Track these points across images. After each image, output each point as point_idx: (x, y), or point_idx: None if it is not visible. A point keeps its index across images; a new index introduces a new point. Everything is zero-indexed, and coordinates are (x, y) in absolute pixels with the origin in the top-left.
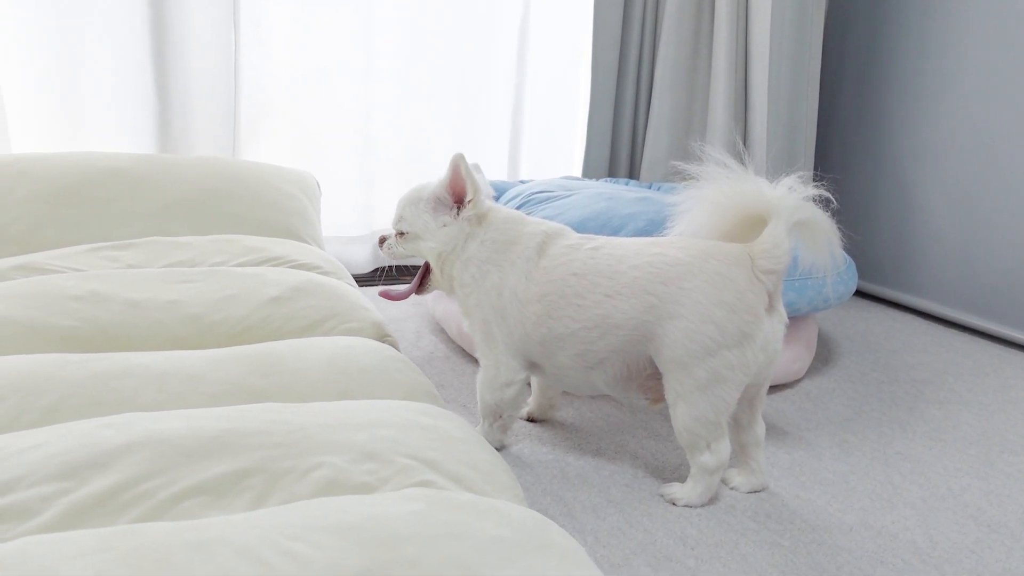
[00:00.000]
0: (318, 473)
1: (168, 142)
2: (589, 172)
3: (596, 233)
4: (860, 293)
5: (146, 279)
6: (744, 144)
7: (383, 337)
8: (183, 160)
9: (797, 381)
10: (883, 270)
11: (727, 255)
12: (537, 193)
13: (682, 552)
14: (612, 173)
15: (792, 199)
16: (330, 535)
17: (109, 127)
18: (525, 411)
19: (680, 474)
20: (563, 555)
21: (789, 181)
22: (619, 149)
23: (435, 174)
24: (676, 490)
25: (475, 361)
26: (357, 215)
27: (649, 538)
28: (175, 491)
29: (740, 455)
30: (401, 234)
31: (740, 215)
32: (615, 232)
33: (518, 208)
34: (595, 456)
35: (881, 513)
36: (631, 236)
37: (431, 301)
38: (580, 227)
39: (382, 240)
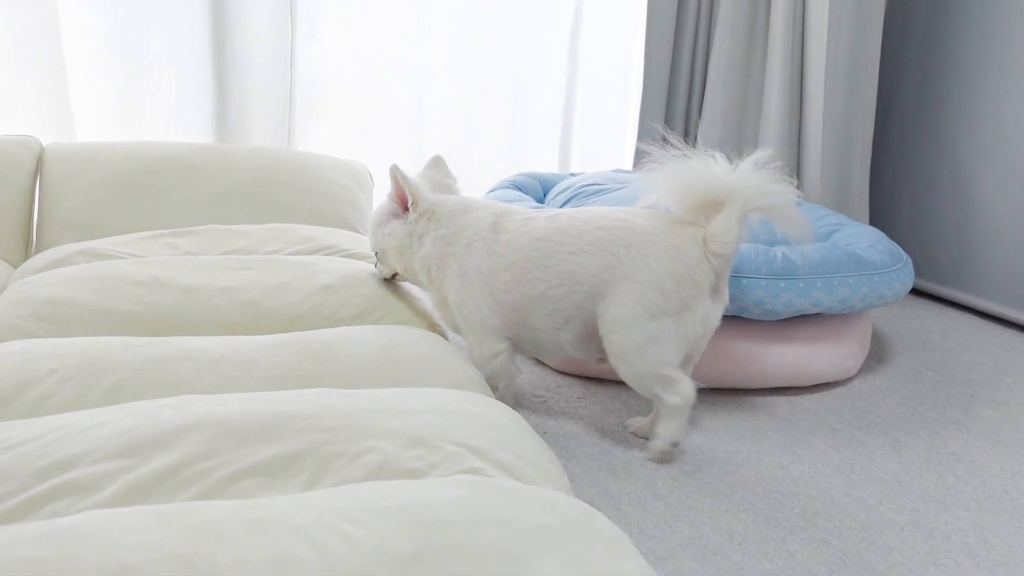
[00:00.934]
0: (368, 457)
1: (225, 132)
2: (640, 165)
3: None
4: (916, 291)
5: (203, 266)
6: (799, 137)
7: (432, 327)
8: (239, 150)
9: (849, 379)
10: (941, 267)
11: (684, 232)
12: (587, 186)
13: (728, 547)
14: None
15: (748, 187)
16: (379, 517)
17: (169, 117)
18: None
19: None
20: (608, 544)
21: (747, 167)
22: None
23: (487, 167)
24: (657, 441)
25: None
26: None
27: (695, 532)
28: (231, 471)
29: (662, 417)
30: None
31: (698, 199)
32: None
33: (567, 201)
34: (641, 449)
35: (934, 514)
36: None
37: None
38: None
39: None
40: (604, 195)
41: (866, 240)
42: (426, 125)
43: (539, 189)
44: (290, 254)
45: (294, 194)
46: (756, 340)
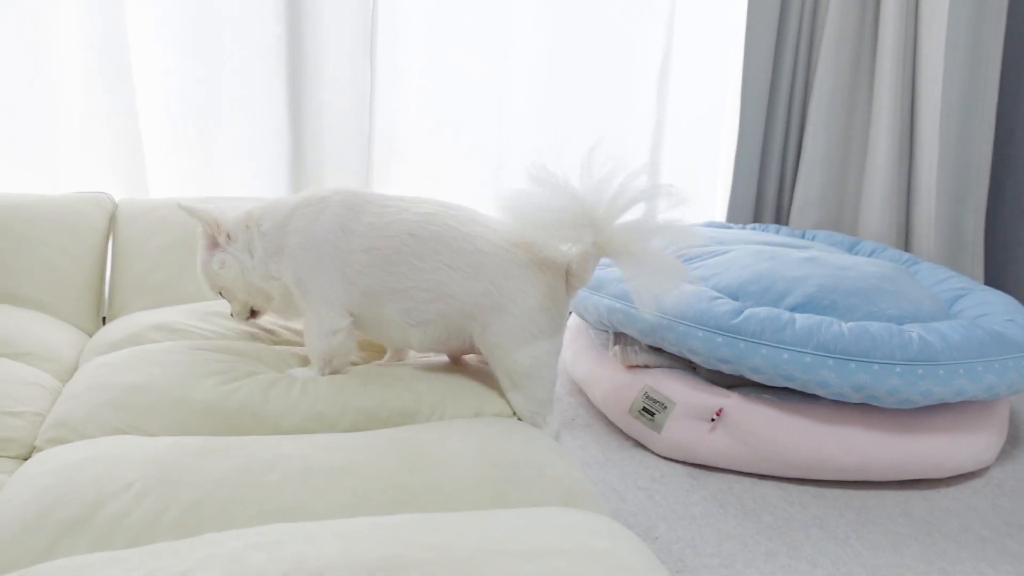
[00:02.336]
0: None
1: (301, 183)
2: (734, 215)
3: (760, 299)
4: None
5: (282, 352)
6: (909, 187)
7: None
8: None
9: (986, 469)
10: None
11: (555, 269)
12: (686, 248)
13: None
14: (758, 217)
15: (615, 244)
16: None
17: (243, 167)
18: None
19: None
20: None
21: (632, 226)
22: (766, 190)
23: None
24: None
25: (621, 432)
26: None
27: None
28: None
29: None
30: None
31: (562, 233)
32: (780, 299)
33: None
34: (770, 561)
35: None
36: (799, 302)
37: (569, 361)
38: (740, 291)
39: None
40: (705, 259)
41: (1002, 312)
42: (508, 172)
43: None
44: None
45: None
46: (887, 429)
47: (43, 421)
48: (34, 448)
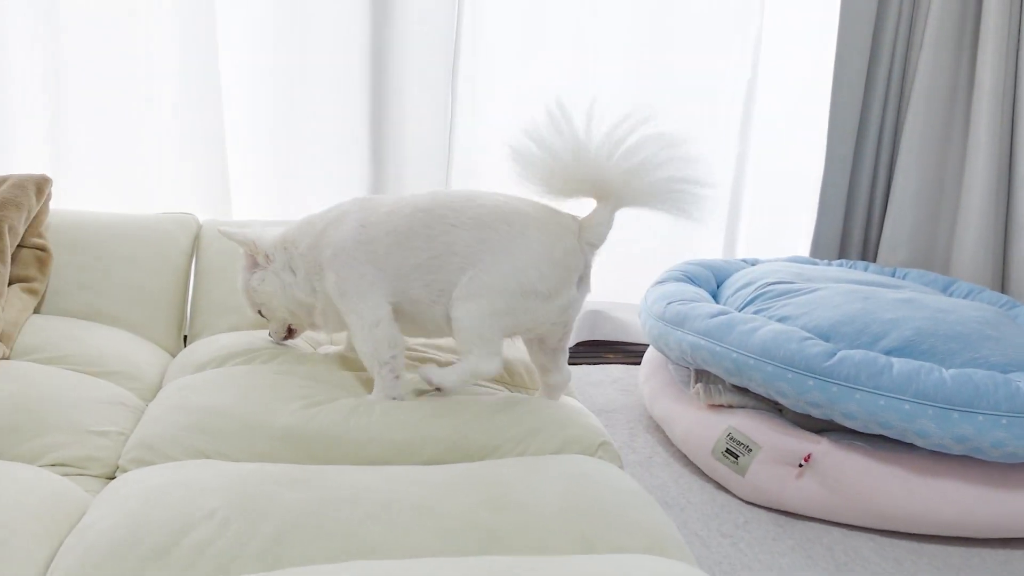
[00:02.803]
0: None
1: None
2: (819, 250)
3: (853, 341)
4: None
5: (360, 380)
6: (1007, 226)
7: (601, 444)
8: None
9: None
10: None
11: (564, 219)
12: (772, 285)
13: None
14: (844, 253)
15: (629, 188)
16: None
17: (323, 190)
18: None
19: None
20: None
21: (634, 162)
22: (853, 226)
23: (645, 250)
24: (433, 371)
25: (702, 473)
26: None
27: None
28: None
29: (546, 393)
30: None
31: (575, 188)
32: (874, 342)
33: (749, 302)
34: None
35: None
36: (895, 346)
37: (647, 396)
38: (831, 333)
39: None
40: (793, 296)
41: None
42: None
43: (712, 280)
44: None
45: None
46: (989, 483)
47: (127, 441)
48: (118, 467)
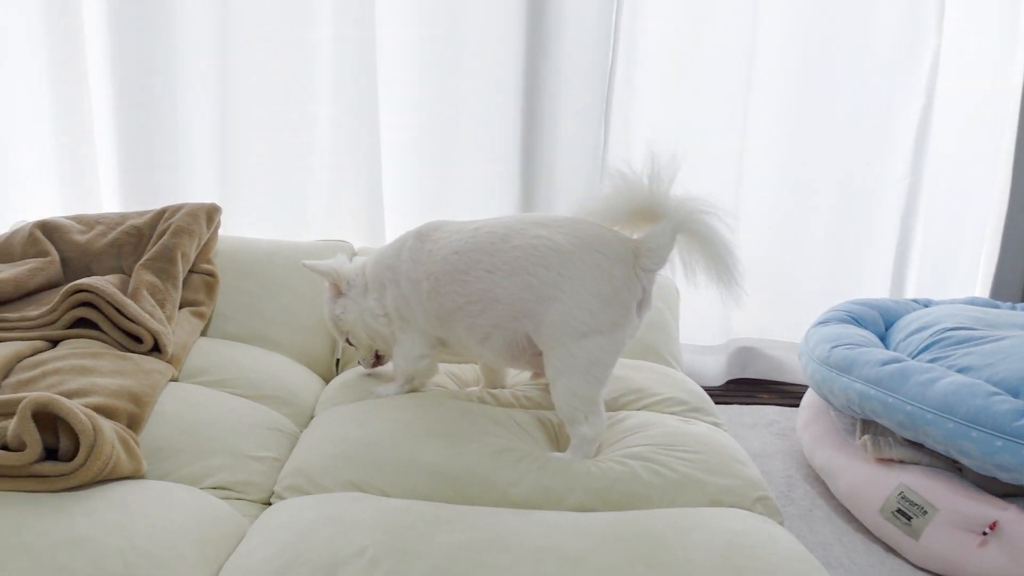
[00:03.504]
0: None
1: None
2: (1000, 292)
3: None
4: None
5: (510, 416)
6: None
7: (759, 499)
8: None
9: None
10: None
11: (611, 249)
12: (951, 331)
13: None
14: None
15: (687, 206)
16: None
17: (473, 209)
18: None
19: None
20: None
21: (688, 194)
22: None
23: (804, 287)
24: (559, 455)
25: (868, 532)
26: (714, 323)
27: None
28: None
29: None
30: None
31: (632, 210)
32: None
33: (924, 349)
34: None
35: None
36: None
37: (807, 443)
38: (1022, 388)
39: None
40: (976, 345)
41: None
42: (741, 236)
43: (880, 322)
44: None
45: None
46: None
47: (282, 467)
48: (273, 493)
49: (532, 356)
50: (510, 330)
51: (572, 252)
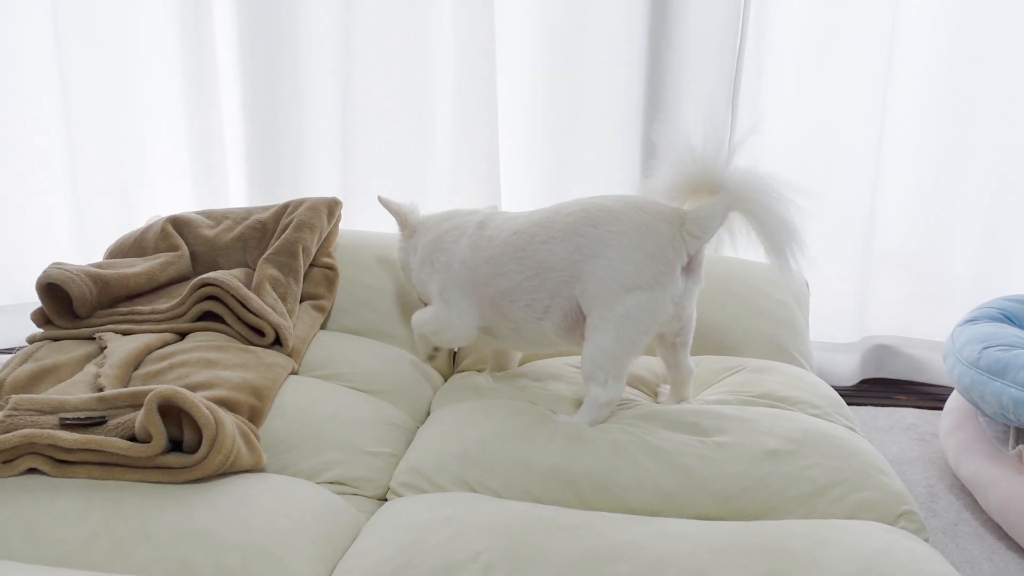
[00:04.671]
0: None
1: None
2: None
3: None
4: None
5: (634, 419)
6: None
7: (903, 514)
8: None
9: None
10: None
11: (659, 210)
12: None
13: None
14: None
15: (746, 184)
16: None
17: None
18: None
19: None
20: None
21: (751, 169)
22: None
23: (953, 282)
24: (565, 417)
25: (1022, 550)
26: (847, 320)
27: None
28: None
29: (673, 389)
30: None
31: (689, 185)
32: None
33: None
34: None
35: None
36: None
37: (951, 451)
38: None
39: None
40: None
41: None
42: (879, 228)
43: None
44: (715, 402)
45: (726, 312)
46: None
47: (398, 463)
48: (389, 489)
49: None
50: (566, 298)
51: (619, 211)
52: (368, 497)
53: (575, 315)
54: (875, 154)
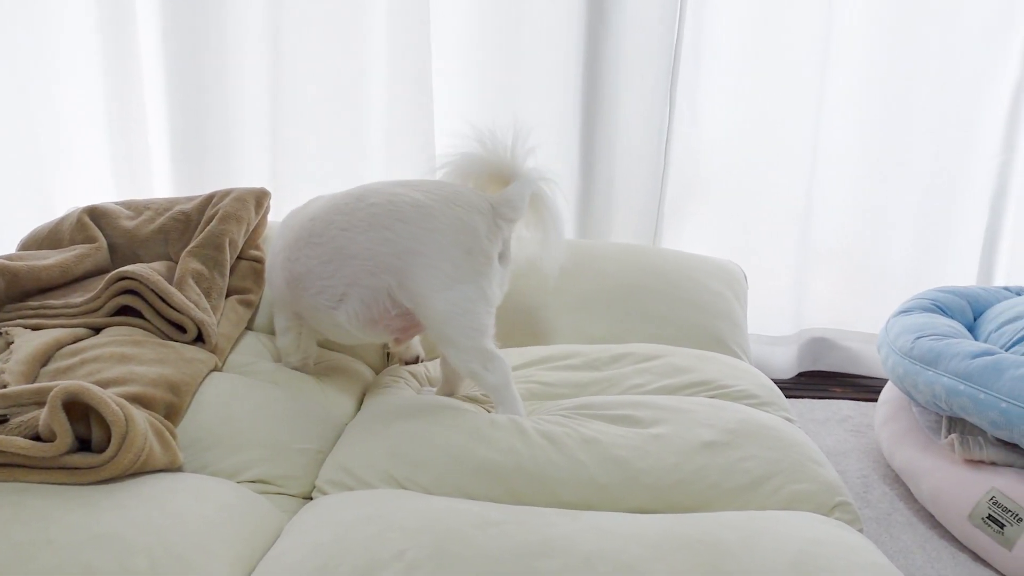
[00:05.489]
0: None
1: (588, 227)
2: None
3: None
4: None
5: (565, 408)
6: None
7: (838, 505)
8: (604, 249)
9: None
10: None
11: (469, 202)
12: None
13: None
14: None
15: (535, 170)
16: None
17: None
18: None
19: None
20: None
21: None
22: None
23: (890, 267)
24: (496, 416)
25: (955, 540)
26: (784, 313)
27: None
28: None
29: (445, 382)
30: None
31: (489, 171)
32: None
33: (1016, 343)
34: None
35: None
36: None
37: (886, 442)
38: None
39: None
40: None
41: None
42: (816, 221)
43: (968, 311)
44: (656, 391)
45: (662, 303)
46: None
47: (324, 460)
48: (314, 487)
49: (395, 318)
50: (369, 288)
51: (431, 206)
52: (293, 496)
53: (381, 306)
54: (812, 146)
